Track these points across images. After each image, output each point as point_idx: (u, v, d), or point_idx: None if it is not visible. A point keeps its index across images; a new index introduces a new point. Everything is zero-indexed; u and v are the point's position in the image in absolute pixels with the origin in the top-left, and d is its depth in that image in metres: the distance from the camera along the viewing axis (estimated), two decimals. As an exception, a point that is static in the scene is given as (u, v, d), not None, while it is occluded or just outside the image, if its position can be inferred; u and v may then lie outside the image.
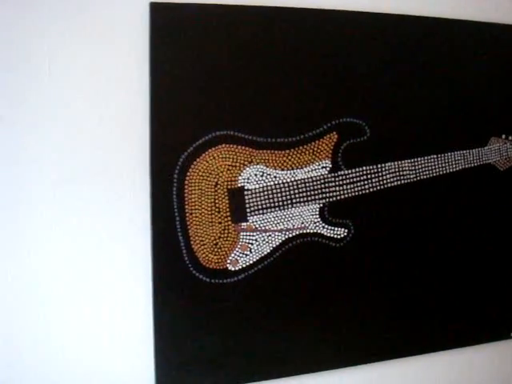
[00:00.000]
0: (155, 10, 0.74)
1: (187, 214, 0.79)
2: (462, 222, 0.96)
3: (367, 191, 0.88)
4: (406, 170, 0.90)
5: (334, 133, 0.84)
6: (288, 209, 0.84)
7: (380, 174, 0.88)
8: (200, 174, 0.79)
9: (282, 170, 0.83)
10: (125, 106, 0.75)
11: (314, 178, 0.84)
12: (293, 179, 0.83)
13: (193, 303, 0.82)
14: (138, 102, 0.75)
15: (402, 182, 0.90)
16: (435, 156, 0.91)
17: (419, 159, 0.90)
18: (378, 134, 0.87)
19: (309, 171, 0.84)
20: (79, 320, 0.78)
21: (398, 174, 0.89)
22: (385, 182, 0.89)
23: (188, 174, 0.78)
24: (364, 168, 0.87)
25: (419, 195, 0.92)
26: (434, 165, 0.92)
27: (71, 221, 0.75)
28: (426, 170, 0.91)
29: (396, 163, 0.89)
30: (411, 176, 0.90)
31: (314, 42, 0.81)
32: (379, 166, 0.88)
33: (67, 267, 0.76)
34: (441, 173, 0.92)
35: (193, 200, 0.79)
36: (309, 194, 0.84)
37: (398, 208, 0.91)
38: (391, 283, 0.93)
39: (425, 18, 0.88)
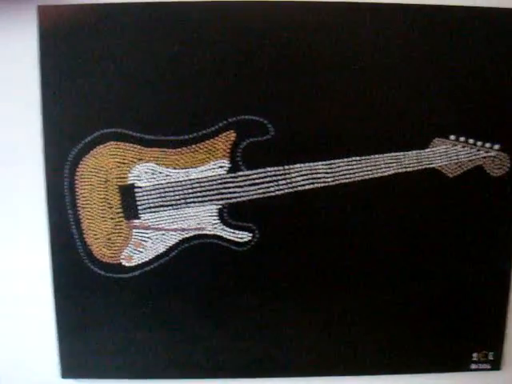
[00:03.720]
0: (43, 12, 0.77)
1: (79, 209, 0.82)
2: (399, 231, 0.85)
3: (273, 194, 0.82)
4: (320, 173, 0.82)
5: (232, 131, 0.80)
6: (182, 208, 0.82)
7: (288, 176, 0.82)
8: (89, 170, 0.81)
9: (175, 168, 0.81)
10: (19, 104, 0.80)
11: (210, 178, 0.81)
12: (186, 178, 0.81)
13: (90, 295, 0.84)
14: (31, 100, 0.80)
15: (316, 185, 0.82)
16: (358, 158, 0.82)
17: (337, 161, 0.82)
18: (286, 133, 0.81)
19: (204, 170, 0.81)
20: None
21: (310, 176, 0.82)
22: (295, 184, 0.82)
23: (78, 169, 0.81)
24: (268, 169, 0.81)
25: (340, 200, 0.83)
26: (358, 168, 0.82)
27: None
28: (346, 174, 0.82)
29: (308, 165, 0.82)
30: (328, 180, 0.82)
31: (207, 34, 0.78)
32: (287, 167, 0.82)
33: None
34: (367, 177, 0.82)
35: (84, 195, 0.81)
36: (205, 194, 0.82)
37: (313, 213, 0.83)
38: (309, 294, 0.86)
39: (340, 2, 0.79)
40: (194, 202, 0.82)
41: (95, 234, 0.82)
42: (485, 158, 0.83)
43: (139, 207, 0.82)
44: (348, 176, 0.82)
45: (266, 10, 0.78)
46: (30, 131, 0.80)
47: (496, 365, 0.90)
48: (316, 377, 0.89)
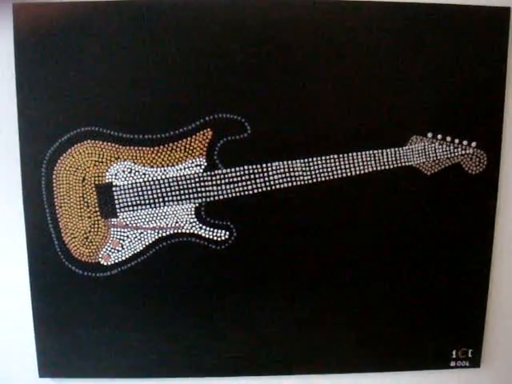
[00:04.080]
0: (18, 11, 0.77)
1: (57, 207, 0.82)
2: (376, 229, 0.85)
3: (250, 192, 0.82)
4: (298, 171, 0.82)
5: (209, 129, 0.80)
6: (160, 207, 0.82)
7: (266, 175, 0.82)
8: (67, 168, 0.81)
9: (152, 167, 0.81)
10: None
11: (188, 177, 0.81)
12: (164, 177, 0.81)
13: (68, 294, 0.84)
14: (7, 99, 0.79)
15: (294, 183, 0.82)
16: (336, 156, 0.82)
17: (314, 159, 0.82)
18: (263, 131, 0.81)
19: (181, 169, 0.81)
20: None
21: (288, 174, 0.82)
22: (272, 182, 0.82)
23: (55, 168, 0.81)
24: (245, 167, 0.81)
25: (318, 198, 0.83)
26: (335, 166, 0.82)
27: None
28: (324, 172, 0.82)
29: (285, 163, 0.82)
30: (305, 178, 0.82)
31: (184, 33, 0.78)
32: (264, 165, 0.82)
33: None
34: (344, 175, 0.83)
35: (61, 194, 0.81)
36: (182, 192, 0.82)
37: (290, 211, 0.83)
38: (287, 292, 0.86)
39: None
40: (172, 201, 0.82)
41: (73, 233, 0.82)
42: (462, 155, 0.83)
43: (117, 206, 0.82)
44: (326, 174, 0.82)
45: (245, 9, 0.78)
46: (6, 130, 0.80)
47: (475, 362, 0.90)
48: (294, 375, 0.89)
